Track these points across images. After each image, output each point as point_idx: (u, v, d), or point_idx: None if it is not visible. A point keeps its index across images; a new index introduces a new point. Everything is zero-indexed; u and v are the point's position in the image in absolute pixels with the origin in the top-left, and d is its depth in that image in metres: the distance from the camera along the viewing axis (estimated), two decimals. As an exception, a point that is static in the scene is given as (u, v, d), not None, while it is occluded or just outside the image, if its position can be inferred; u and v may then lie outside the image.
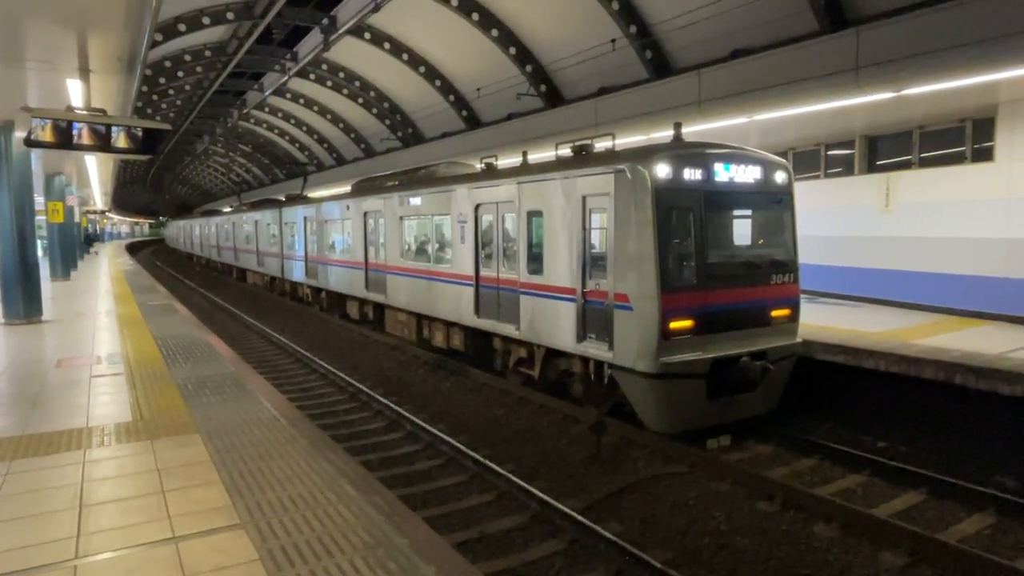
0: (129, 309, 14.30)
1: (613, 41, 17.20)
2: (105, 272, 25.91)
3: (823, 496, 6.75)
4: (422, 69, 24.89)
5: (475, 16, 20.05)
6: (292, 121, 38.71)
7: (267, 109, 37.82)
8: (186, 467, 4.98)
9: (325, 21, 23.05)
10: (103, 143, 7.74)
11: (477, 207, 11.17)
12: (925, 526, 6.24)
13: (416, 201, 13.41)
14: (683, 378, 7.82)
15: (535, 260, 9.85)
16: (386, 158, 30.42)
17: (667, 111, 15.24)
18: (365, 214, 15.77)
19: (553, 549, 6.00)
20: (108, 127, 7.75)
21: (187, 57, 26.25)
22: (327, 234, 18.72)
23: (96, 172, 21.97)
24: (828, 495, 6.84)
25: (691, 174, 8.07)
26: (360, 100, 30.52)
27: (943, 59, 10.56)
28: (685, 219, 8.12)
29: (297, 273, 21.67)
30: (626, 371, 8.11)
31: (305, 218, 20.48)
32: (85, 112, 7.99)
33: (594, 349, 8.67)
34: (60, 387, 7.49)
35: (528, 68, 20.78)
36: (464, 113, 25.39)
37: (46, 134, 7.45)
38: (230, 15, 22.09)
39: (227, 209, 37.31)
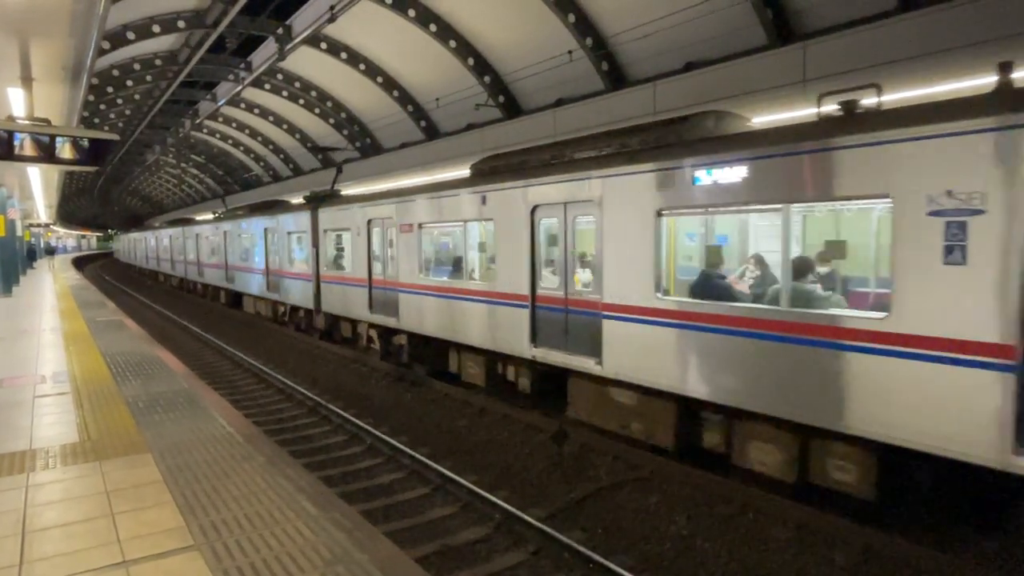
0: (76, 325, 13.78)
1: (570, 53, 17.41)
2: (50, 287, 24.95)
3: (780, 498, 6.91)
4: (379, 79, 24.76)
5: (433, 27, 20.07)
6: (247, 131, 38.04)
7: (221, 119, 37.09)
8: (137, 488, 4.81)
9: (280, 31, 22.78)
10: (47, 154, 7.51)
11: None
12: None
13: (729, 176, 6.69)
14: None
15: None
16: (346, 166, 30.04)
17: (623, 122, 15.46)
18: (535, 210, 9.35)
19: (517, 559, 5.99)
20: (52, 137, 7.53)
21: (136, 66, 25.58)
22: (424, 247, 12.22)
23: (40, 184, 21.19)
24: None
25: None
26: (317, 110, 30.16)
27: (884, 73, 10.99)
28: None
29: (353, 306, 14.78)
30: None
31: (370, 222, 13.69)
32: (27, 122, 7.75)
33: None
34: (0, 408, 7.15)
35: (487, 79, 20.87)
36: (423, 123, 25.33)
37: (-15, 145, 7.19)
38: (181, 23, 21.64)
39: (207, 216, 32.54)
